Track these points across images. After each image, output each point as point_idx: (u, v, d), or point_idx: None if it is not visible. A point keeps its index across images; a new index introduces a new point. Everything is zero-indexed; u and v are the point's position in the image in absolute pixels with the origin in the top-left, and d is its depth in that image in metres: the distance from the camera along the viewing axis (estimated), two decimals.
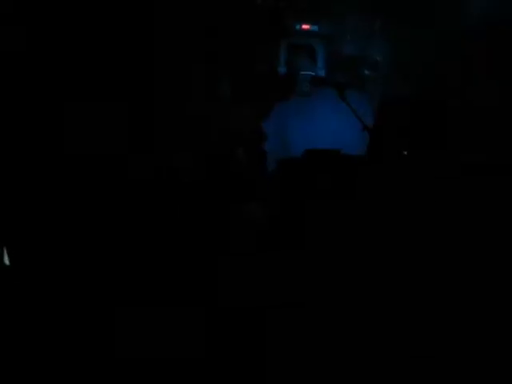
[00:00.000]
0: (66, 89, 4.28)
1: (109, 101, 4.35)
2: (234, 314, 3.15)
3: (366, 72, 5.14)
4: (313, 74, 5.04)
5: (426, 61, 4.80)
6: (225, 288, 3.19)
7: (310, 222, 3.61)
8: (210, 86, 3.23)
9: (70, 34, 4.49)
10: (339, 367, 3.36)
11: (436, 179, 3.52)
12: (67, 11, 4.34)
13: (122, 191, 3.38)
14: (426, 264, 3.50)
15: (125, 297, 3.46)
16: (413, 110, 3.84)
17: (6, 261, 3.61)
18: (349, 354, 3.40)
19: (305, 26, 5.02)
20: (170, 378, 3.11)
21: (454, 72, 4.63)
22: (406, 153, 3.57)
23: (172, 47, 3.95)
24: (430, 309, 3.48)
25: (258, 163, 3.28)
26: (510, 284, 3.46)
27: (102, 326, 3.48)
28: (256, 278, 3.44)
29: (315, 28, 5.15)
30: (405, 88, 4.84)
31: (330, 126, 4.80)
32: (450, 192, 3.49)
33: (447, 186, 3.50)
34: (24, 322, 3.59)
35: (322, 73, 5.08)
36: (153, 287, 3.34)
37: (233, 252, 3.32)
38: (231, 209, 3.29)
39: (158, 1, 4.53)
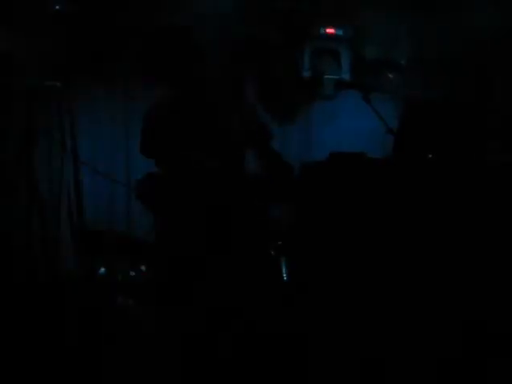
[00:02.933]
0: None
1: None
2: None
3: (391, 75, 5.12)
4: (338, 77, 5.04)
5: (452, 63, 4.77)
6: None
7: (330, 226, 3.60)
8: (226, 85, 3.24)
9: None
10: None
11: (461, 181, 3.49)
12: None
13: None
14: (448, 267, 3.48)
15: None
16: (438, 113, 3.82)
17: None
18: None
19: (329, 30, 5.01)
20: None
21: (481, 74, 4.59)
22: (431, 156, 3.55)
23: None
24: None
25: (272, 164, 3.26)
26: None
27: None
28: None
29: (340, 32, 5.15)
30: (430, 90, 4.82)
31: (354, 128, 4.79)
32: (476, 194, 3.47)
33: (472, 189, 3.47)
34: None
35: (346, 76, 5.07)
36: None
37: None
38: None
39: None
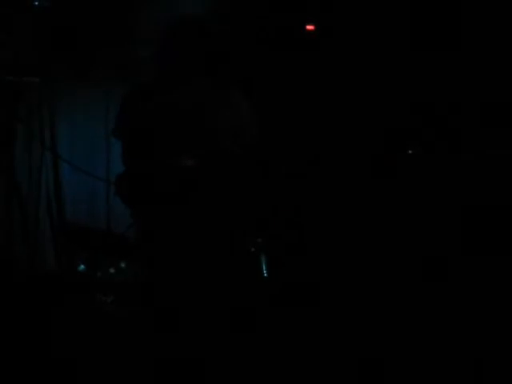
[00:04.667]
0: None
1: None
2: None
3: None
4: None
5: None
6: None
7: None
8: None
9: None
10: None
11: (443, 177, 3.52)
12: None
13: None
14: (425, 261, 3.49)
15: None
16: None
17: None
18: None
19: (310, 27, 5.01)
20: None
21: None
22: (410, 151, 3.58)
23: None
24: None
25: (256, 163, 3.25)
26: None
27: None
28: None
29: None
30: None
31: None
32: (450, 191, 3.50)
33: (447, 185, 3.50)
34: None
35: None
36: None
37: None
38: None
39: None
